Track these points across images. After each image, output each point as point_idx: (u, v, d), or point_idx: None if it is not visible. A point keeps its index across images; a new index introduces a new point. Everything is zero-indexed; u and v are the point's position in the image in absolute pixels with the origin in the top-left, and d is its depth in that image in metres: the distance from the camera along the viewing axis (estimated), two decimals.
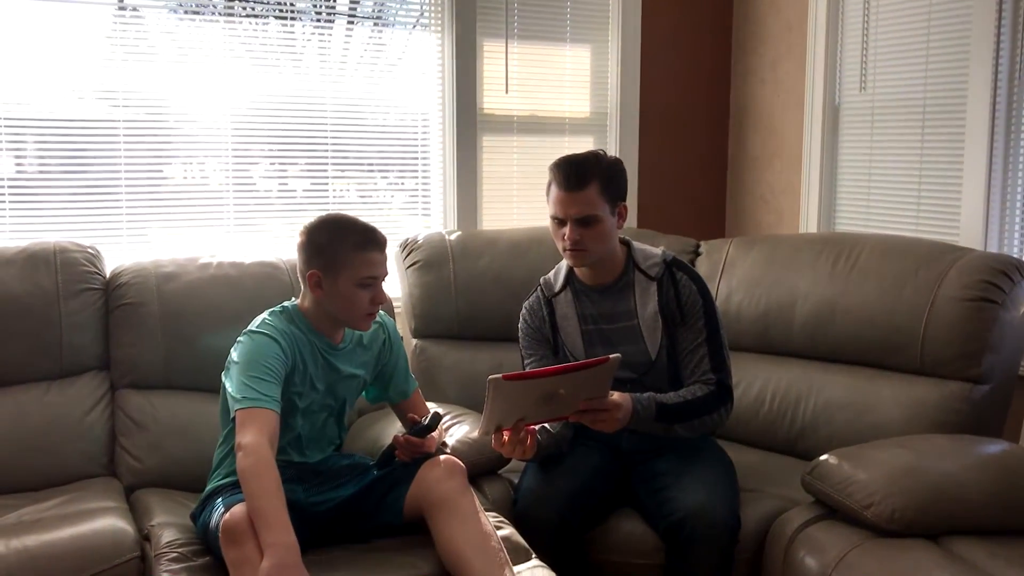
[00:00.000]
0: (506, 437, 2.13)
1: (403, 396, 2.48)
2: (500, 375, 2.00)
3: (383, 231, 2.27)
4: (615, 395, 2.24)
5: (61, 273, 2.66)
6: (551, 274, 2.60)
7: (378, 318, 2.43)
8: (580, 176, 2.37)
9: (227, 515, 1.95)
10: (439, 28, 3.54)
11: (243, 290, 2.76)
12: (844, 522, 2.22)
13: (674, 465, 2.39)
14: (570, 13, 3.75)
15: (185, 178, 3.30)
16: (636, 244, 2.54)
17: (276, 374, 2.14)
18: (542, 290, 2.57)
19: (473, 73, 3.57)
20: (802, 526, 2.26)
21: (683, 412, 2.37)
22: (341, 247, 2.20)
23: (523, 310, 2.60)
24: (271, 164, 3.40)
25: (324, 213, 2.34)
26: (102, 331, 2.71)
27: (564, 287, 2.53)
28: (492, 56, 3.62)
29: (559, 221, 2.40)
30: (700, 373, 2.42)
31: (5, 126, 2.99)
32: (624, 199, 2.46)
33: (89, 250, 2.77)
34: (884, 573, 2.01)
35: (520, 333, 2.60)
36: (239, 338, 2.23)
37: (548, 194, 2.45)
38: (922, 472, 2.20)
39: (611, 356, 2.11)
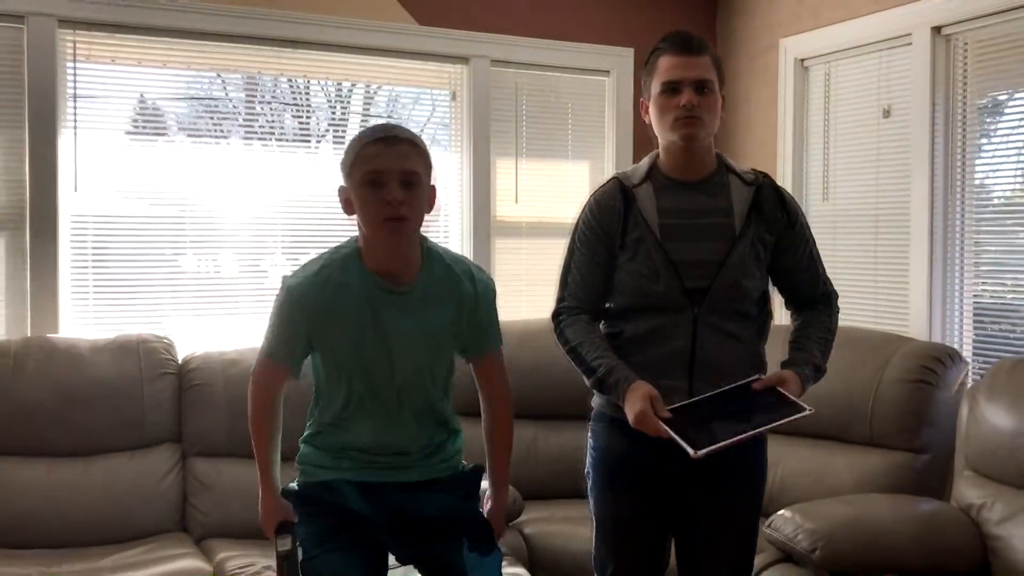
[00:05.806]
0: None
1: (476, 353, 2.18)
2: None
3: None
4: (784, 373, 2.21)
5: (144, 360, 3.17)
6: (629, 170, 2.38)
7: (477, 276, 2.15)
8: (698, 42, 2.26)
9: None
10: (459, 148, 4.10)
11: None
12: (797, 565, 2.66)
13: (707, 537, 2.32)
14: (571, 134, 4.34)
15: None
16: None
17: (292, 329, 2.04)
18: (620, 181, 2.32)
19: (487, 186, 4.11)
20: (761, 569, 2.70)
21: (827, 353, 2.31)
22: (350, 153, 2.01)
23: (589, 200, 2.35)
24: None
25: None
26: (176, 408, 3.21)
27: (645, 179, 2.31)
28: (504, 171, 4.18)
29: (672, 89, 2.22)
30: (821, 284, 2.36)
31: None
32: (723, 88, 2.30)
33: (165, 340, 3.29)
34: None
35: (580, 223, 2.35)
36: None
37: (652, 72, 2.28)
38: (860, 522, 2.64)
39: (807, 410, 2.12)
